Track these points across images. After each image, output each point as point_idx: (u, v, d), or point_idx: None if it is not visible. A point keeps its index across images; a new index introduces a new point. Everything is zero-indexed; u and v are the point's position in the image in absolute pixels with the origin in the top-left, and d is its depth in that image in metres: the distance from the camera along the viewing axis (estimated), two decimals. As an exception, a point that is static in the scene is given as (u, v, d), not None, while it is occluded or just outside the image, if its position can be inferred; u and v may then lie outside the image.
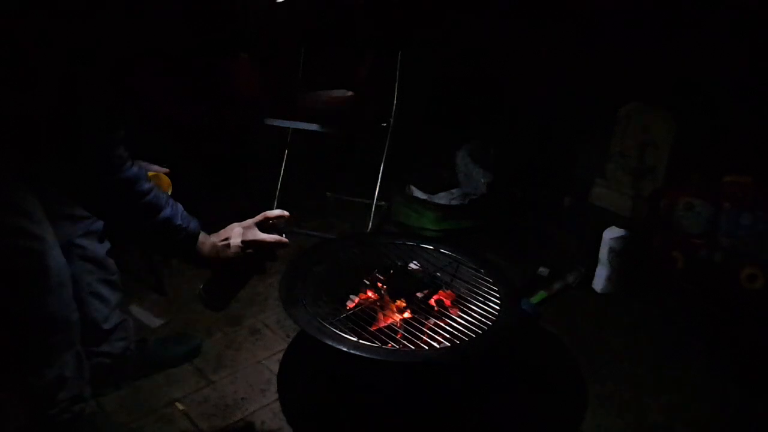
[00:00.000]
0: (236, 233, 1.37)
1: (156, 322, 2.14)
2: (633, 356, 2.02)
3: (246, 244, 1.36)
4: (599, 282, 2.41)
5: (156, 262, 2.31)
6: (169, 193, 1.67)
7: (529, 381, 1.88)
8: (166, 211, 1.29)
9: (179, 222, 1.30)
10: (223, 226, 1.41)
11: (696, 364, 1.99)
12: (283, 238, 1.41)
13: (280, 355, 1.96)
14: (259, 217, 1.42)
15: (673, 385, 1.89)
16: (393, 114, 2.73)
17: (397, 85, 2.72)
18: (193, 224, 1.34)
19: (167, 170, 1.73)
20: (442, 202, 2.84)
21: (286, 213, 1.45)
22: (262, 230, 1.40)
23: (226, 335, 2.07)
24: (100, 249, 1.64)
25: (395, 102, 2.74)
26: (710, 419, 1.75)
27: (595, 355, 2.02)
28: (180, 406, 1.74)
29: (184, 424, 1.68)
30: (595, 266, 2.43)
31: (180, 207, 1.33)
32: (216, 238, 1.37)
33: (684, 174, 2.73)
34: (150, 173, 1.65)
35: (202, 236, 1.36)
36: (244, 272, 1.42)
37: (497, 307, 1.68)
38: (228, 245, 1.35)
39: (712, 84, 2.67)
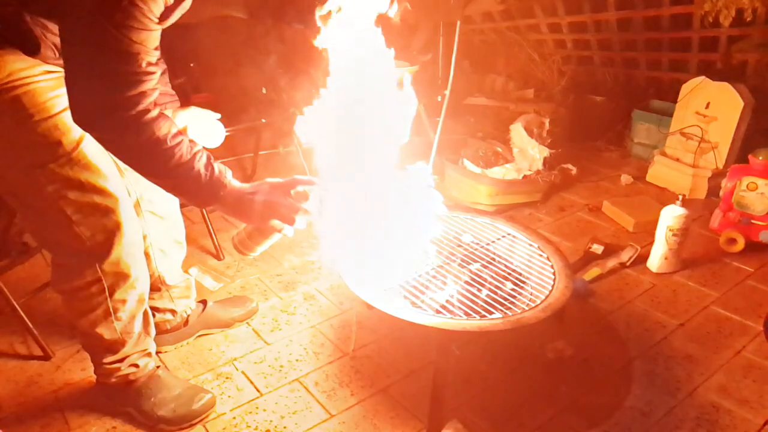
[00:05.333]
0: (263, 191, 1.32)
1: (214, 285, 2.22)
2: (687, 336, 1.99)
3: (268, 204, 1.32)
4: (654, 261, 2.37)
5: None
6: (222, 140, 1.67)
7: (578, 355, 1.88)
8: (188, 158, 1.21)
9: (204, 170, 1.24)
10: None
11: (751, 346, 1.95)
12: (306, 209, 1.35)
13: (334, 320, 2.02)
14: (288, 181, 1.36)
15: (726, 365, 1.86)
16: (449, 86, 2.71)
17: (454, 56, 2.69)
18: (218, 173, 1.27)
19: (219, 116, 1.70)
20: (497, 176, 2.82)
21: (317, 180, 1.39)
22: (290, 193, 1.35)
23: (281, 300, 2.13)
24: (169, 205, 1.70)
25: (451, 74, 2.71)
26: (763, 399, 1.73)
27: (647, 333, 2.00)
28: (238, 365, 1.81)
29: (242, 382, 1.75)
30: (651, 245, 2.38)
31: (206, 155, 1.26)
32: (246, 190, 1.32)
33: (748, 151, 2.63)
34: (202, 119, 1.63)
35: (232, 186, 1.30)
36: (267, 228, 1.38)
37: (551, 282, 1.67)
38: (253, 200, 1.31)
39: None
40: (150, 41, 1.12)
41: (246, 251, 1.42)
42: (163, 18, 1.13)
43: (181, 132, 1.22)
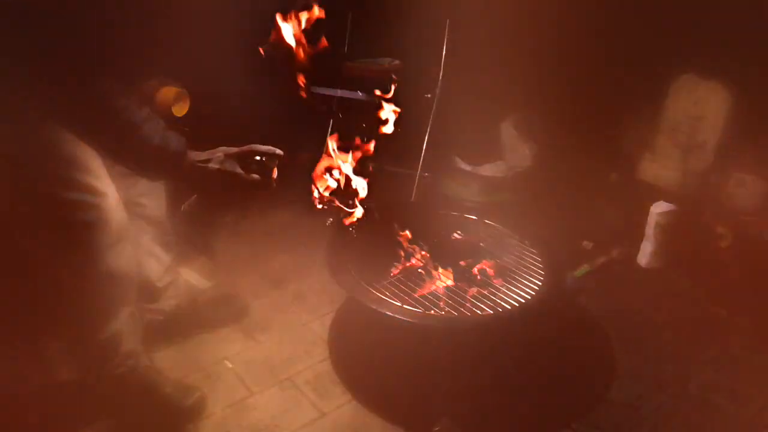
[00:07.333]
0: (217, 158, 1.28)
1: (205, 284, 2.21)
2: (676, 331, 2.00)
3: (223, 174, 1.27)
4: (644, 257, 2.38)
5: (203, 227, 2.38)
6: (185, 110, 1.66)
7: (565, 352, 1.89)
8: (147, 129, 1.19)
9: (159, 137, 1.20)
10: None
11: (739, 341, 1.96)
12: (263, 179, 1.31)
13: (324, 319, 2.02)
14: (244, 149, 1.31)
15: (715, 359, 1.88)
16: (438, 84, 2.71)
17: (444, 54, 2.70)
18: (176, 142, 1.24)
19: (182, 87, 1.68)
20: (487, 173, 2.83)
21: (278, 151, 1.33)
22: (248, 163, 1.30)
23: (271, 299, 2.13)
24: (159, 209, 1.69)
25: (441, 72, 2.71)
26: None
27: (636, 328, 2.01)
28: (229, 364, 1.81)
29: (233, 381, 1.75)
30: (641, 241, 2.39)
31: (159, 122, 1.23)
32: (200, 158, 1.28)
33: (736, 149, 2.65)
34: (167, 89, 1.62)
35: (189, 154, 1.27)
36: (219, 198, 1.37)
37: (541, 279, 1.68)
38: (207, 169, 1.27)
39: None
40: None
41: (201, 223, 1.38)
42: None
43: (129, 98, 1.18)
